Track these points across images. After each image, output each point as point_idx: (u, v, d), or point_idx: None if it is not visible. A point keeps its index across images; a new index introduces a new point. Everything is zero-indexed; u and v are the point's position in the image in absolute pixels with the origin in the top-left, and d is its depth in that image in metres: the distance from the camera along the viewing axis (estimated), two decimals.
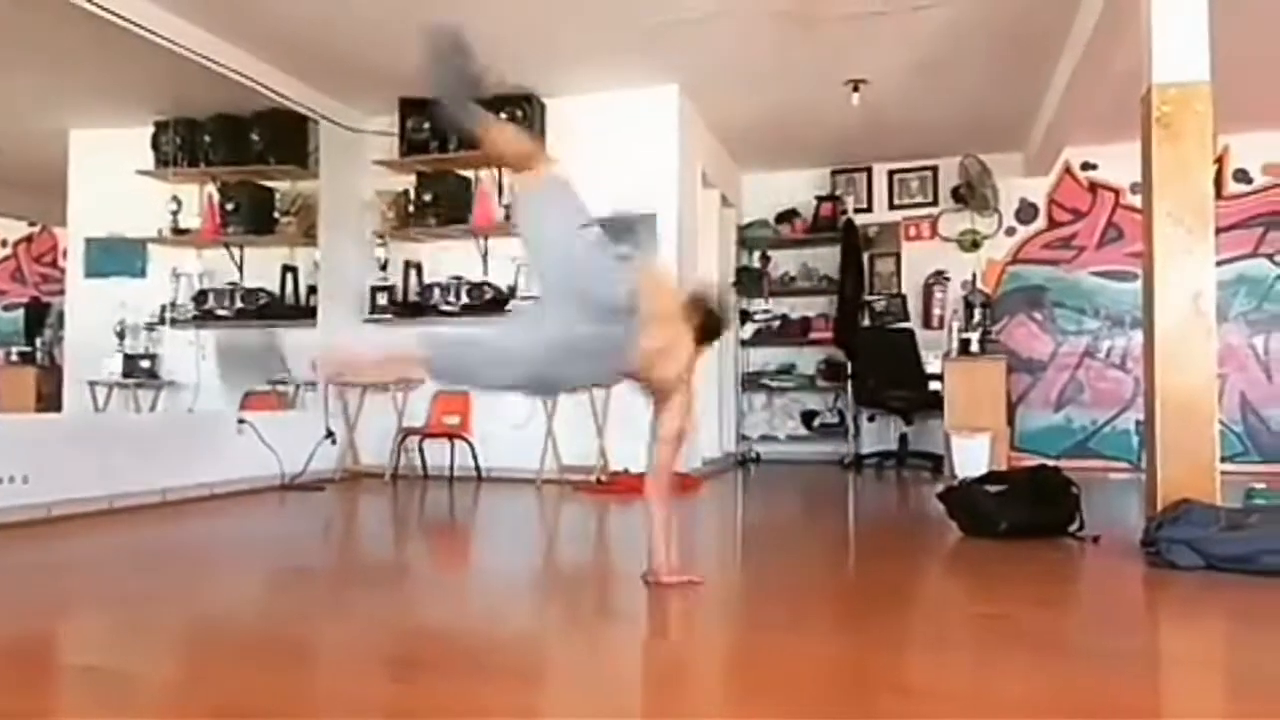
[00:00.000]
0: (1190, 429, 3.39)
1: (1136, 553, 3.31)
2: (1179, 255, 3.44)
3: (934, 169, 7.96)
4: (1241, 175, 7.27)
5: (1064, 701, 1.87)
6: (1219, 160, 7.25)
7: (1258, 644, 2.43)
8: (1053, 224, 7.71)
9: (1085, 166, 7.57)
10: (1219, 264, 7.05)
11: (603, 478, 5.99)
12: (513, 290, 6.39)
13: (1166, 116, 3.45)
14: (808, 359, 8.17)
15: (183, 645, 2.46)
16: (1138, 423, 7.10)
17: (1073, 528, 3.73)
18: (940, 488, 4.32)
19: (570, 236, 2.69)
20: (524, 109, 6.20)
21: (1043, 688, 1.97)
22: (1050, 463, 6.93)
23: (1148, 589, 3.07)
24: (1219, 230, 7.06)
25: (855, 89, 6.08)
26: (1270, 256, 7.24)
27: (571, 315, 2.62)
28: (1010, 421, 7.25)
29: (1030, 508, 3.78)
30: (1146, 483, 3.56)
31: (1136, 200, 6.45)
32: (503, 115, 6.11)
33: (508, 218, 6.35)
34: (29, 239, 9.71)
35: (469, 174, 6.56)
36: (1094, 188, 7.59)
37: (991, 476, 4.17)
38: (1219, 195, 7.25)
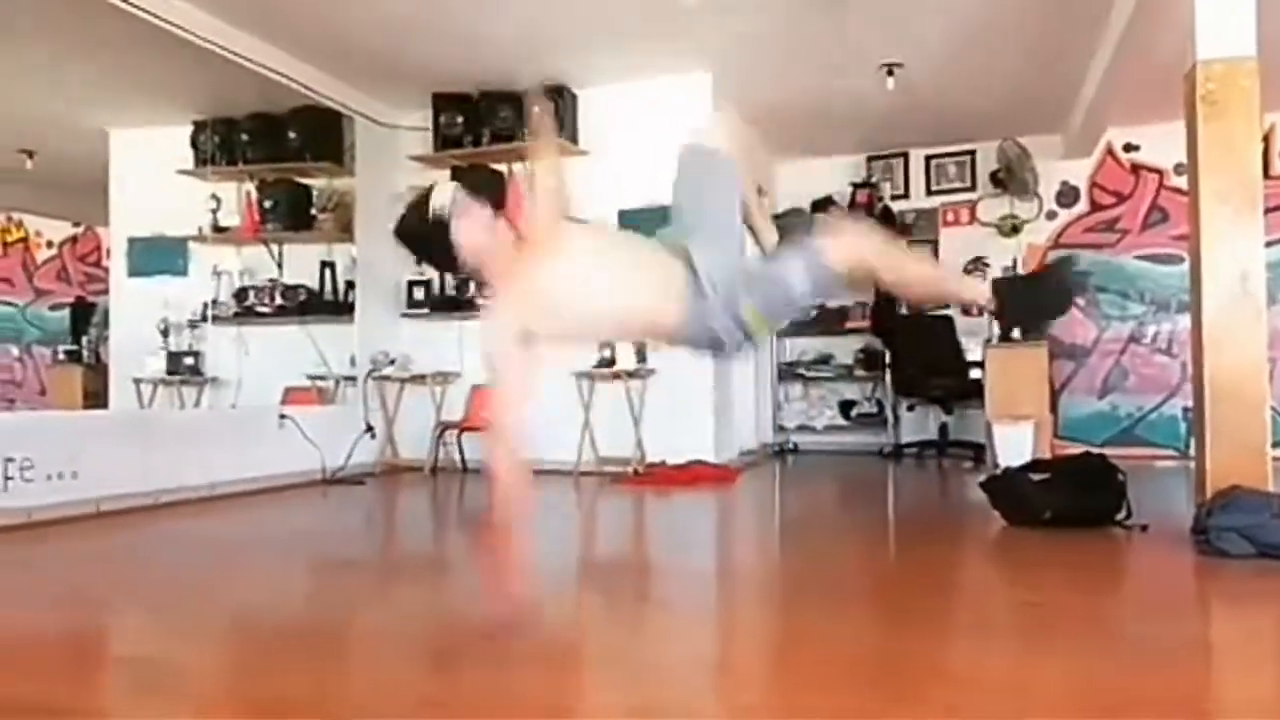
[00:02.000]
0: (1240, 413, 3.31)
1: (1186, 541, 3.24)
2: (1226, 235, 3.35)
3: (972, 153, 7.83)
4: None
5: (1109, 690, 1.84)
6: (1266, 138, 7.07)
7: None
8: (1095, 207, 7.56)
9: (1128, 148, 7.41)
10: (1268, 245, 6.97)
11: (639, 469, 5.98)
12: None
13: (1212, 94, 3.36)
14: (845, 348, 8.09)
15: (227, 637, 2.49)
16: (1185, 409, 6.95)
17: (1120, 516, 3.66)
18: (983, 477, 4.26)
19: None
20: (557, 101, 6.20)
21: (1087, 676, 1.94)
22: (1094, 451, 6.90)
23: (1198, 577, 3.00)
24: (1268, 210, 6.96)
25: (890, 73, 6.00)
26: None
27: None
28: (1054, 409, 7.13)
29: (1075, 495, 3.71)
30: (1195, 469, 3.49)
31: (1181, 182, 6.31)
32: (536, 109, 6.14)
33: None
34: (74, 239, 9.91)
35: (502, 167, 6.57)
36: (1137, 169, 7.43)
37: (1035, 465, 4.10)
38: (1267, 174, 7.06)
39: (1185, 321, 5.49)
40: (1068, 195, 7.61)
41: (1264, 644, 2.37)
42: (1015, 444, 6.25)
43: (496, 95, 6.28)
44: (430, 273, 6.65)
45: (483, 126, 6.34)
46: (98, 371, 8.00)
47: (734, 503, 5.23)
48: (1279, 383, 6.93)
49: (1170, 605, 2.68)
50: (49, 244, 9.93)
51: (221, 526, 4.44)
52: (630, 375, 6.06)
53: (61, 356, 8.60)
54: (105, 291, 8.15)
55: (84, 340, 8.47)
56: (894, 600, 2.77)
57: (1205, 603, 2.82)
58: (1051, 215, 7.64)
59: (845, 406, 8.07)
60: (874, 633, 2.35)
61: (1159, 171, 7.29)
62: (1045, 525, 3.67)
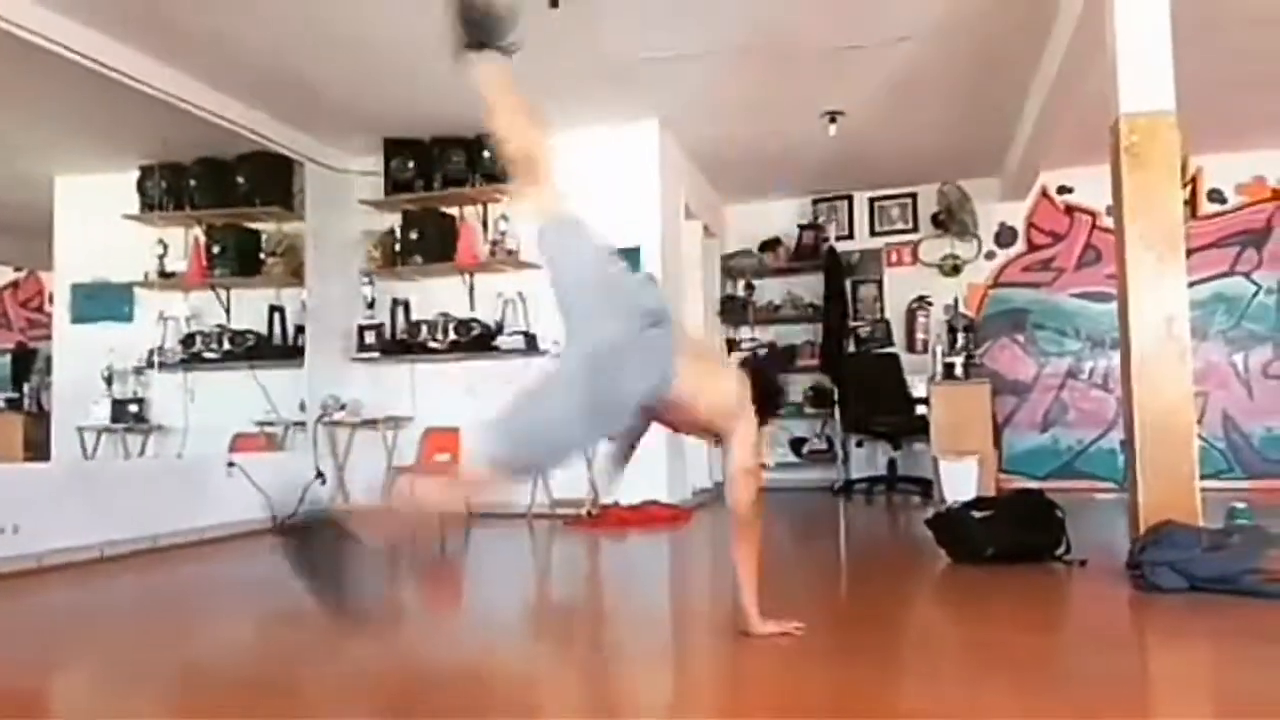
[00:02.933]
0: (1169, 450, 3.44)
1: (1122, 575, 3.35)
2: (1151, 280, 3.50)
3: (914, 195, 8.06)
4: (1216, 195, 7.40)
5: None
6: (1193, 181, 7.38)
7: (1241, 664, 2.46)
8: (1032, 247, 7.81)
9: (1061, 190, 7.69)
10: (1197, 283, 7.28)
11: (593, 511, 6.00)
12: (500, 326, 6.43)
13: (1135, 146, 3.53)
14: (795, 386, 8.21)
15: (175, 695, 2.47)
16: (1122, 443, 7.15)
17: (1059, 551, 3.78)
18: (929, 513, 4.35)
19: (603, 262, 2.54)
20: None
21: (1030, 714, 2.00)
22: (1037, 484, 7.06)
23: (1133, 611, 3.11)
24: (1196, 249, 7.28)
25: (832, 120, 6.18)
26: (1247, 274, 7.35)
27: (610, 326, 2.39)
28: (997, 444, 7.31)
29: (1016, 532, 3.82)
30: (1129, 504, 3.61)
31: (1112, 223, 6.57)
32: (486, 154, 6.23)
33: (493, 254, 6.41)
34: (14, 284, 9.70)
35: (453, 211, 6.61)
36: (1071, 210, 7.70)
37: (977, 502, 4.21)
38: (1194, 215, 7.38)
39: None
40: (1006, 235, 7.85)
41: (1199, 676, 2.47)
42: (960, 479, 6.40)
43: (448, 140, 6.35)
44: (380, 316, 6.66)
45: (434, 171, 6.40)
46: (39, 419, 7.82)
47: (688, 543, 5.27)
48: (1211, 416, 7.26)
49: (1109, 641, 2.76)
50: None
51: (169, 579, 4.37)
52: None
53: (1, 404, 8.39)
54: (47, 337, 8.00)
55: (25, 387, 8.28)
56: (845, 640, 2.82)
57: (1142, 638, 2.91)
58: (990, 255, 7.88)
59: (796, 444, 8.18)
60: (825, 672, 2.39)
61: (1092, 213, 7.57)
62: (988, 561, 3.77)
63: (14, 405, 8.31)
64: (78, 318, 7.08)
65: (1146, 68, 3.54)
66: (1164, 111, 3.53)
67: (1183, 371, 3.47)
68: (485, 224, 6.53)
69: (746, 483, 2.64)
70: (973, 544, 3.83)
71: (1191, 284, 7.21)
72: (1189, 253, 7.17)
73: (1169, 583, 3.13)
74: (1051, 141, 6.13)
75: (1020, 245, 7.84)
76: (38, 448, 7.54)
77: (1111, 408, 7.40)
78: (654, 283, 2.77)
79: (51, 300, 7.91)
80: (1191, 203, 7.37)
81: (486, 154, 6.27)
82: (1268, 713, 2.05)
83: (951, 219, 7.75)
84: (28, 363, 8.56)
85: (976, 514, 3.95)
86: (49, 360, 7.76)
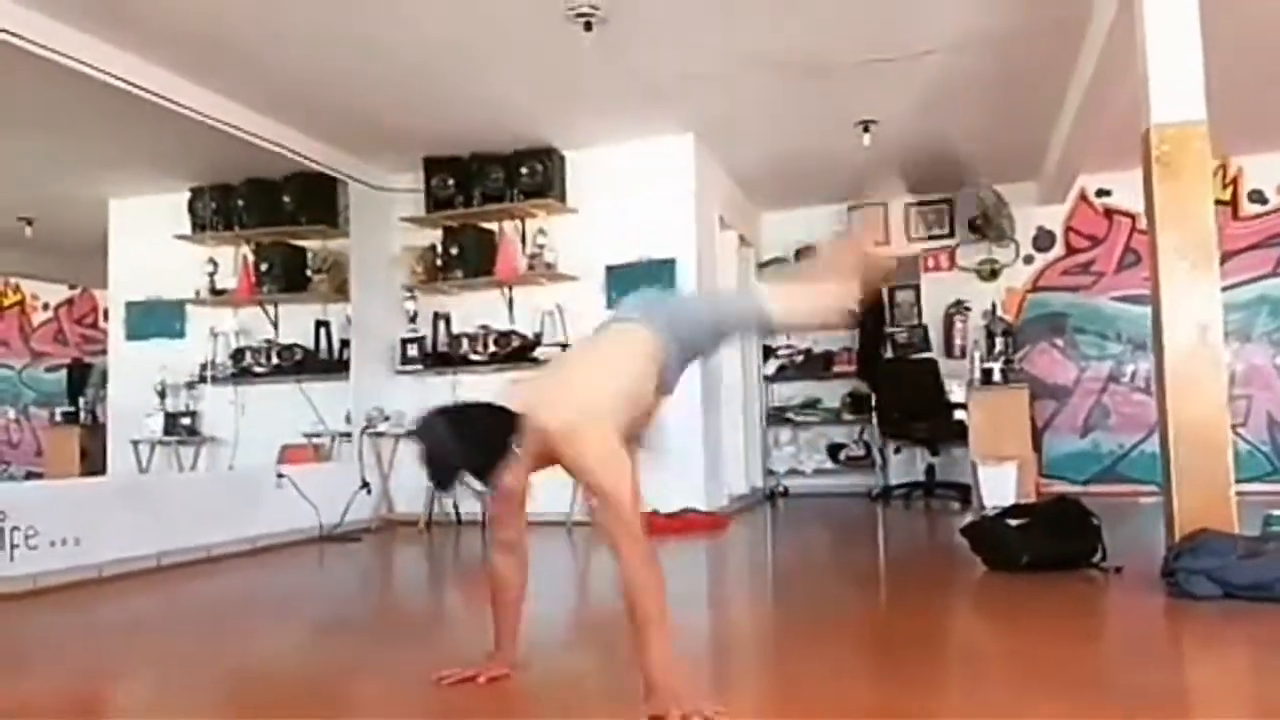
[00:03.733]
0: (1204, 458, 3.44)
1: (1157, 583, 3.36)
2: (1185, 289, 3.51)
3: (950, 201, 8.04)
4: (1257, 196, 7.31)
5: None
6: (1234, 182, 7.31)
7: (1275, 672, 2.49)
8: (1070, 251, 7.77)
9: (1100, 193, 7.64)
10: (1240, 285, 7.20)
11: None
12: (539, 337, 6.54)
13: (1166, 155, 3.54)
14: (832, 392, 8.24)
15: (228, 702, 2.59)
16: None
17: (1095, 558, 3.79)
18: (965, 521, 4.38)
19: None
20: (545, 162, 6.39)
21: None
22: (1078, 489, 7.04)
23: (1168, 620, 3.12)
24: (1238, 251, 7.21)
25: (866, 129, 6.21)
26: None
27: None
28: (1037, 448, 7.28)
29: (1052, 540, 3.84)
30: (1165, 512, 3.61)
31: None
32: (523, 170, 6.37)
33: (531, 267, 6.53)
34: (70, 301, 10.06)
35: (492, 227, 6.74)
36: (1109, 214, 7.65)
37: (1013, 510, 4.23)
38: (1235, 216, 7.31)
39: None
40: (1044, 239, 7.82)
41: (1233, 686, 2.49)
42: (999, 484, 6.39)
43: (486, 157, 6.47)
44: (423, 329, 6.81)
45: (473, 187, 6.52)
46: (95, 432, 8.10)
47: (725, 551, 5.34)
48: (1255, 419, 7.17)
49: (1143, 651, 2.79)
50: (45, 306, 10.08)
51: (222, 588, 4.52)
52: None
53: (59, 418, 8.69)
54: (102, 352, 8.28)
55: (81, 401, 8.57)
56: (882, 653, 2.87)
57: (1175, 647, 2.93)
58: (1029, 259, 7.85)
59: (833, 450, 8.19)
60: (862, 687, 2.45)
61: (1131, 216, 7.50)
62: (1024, 569, 3.79)
63: (70, 418, 8.61)
64: (132, 334, 7.32)
65: (1177, 77, 3.55)
66: (1195, 121, 3.54)
67: (1217, 380, 3.47)
68: (524, 238, 6.65)
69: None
70: (1008, 552, 3.85)
71: (1234, 286, 7.24)
72: (1230, 255, 7.20)
73: (1204, 590, 3.14)
74: (1088, 146, 6.11)
75: (1059, 249, 7.80)
76: (93, 459, 7.81)
77: (1153, 411, 7.28)
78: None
79: (106, 317, 8.19)
80: (1232, 204, 7.30)
81: (524, 170, 6.40)
82: None
83: (988, 224, 7.73)
84: (83, 377, 8.88)
85: (1012, 522, 3.98)
86: (104, 375, 8.04)
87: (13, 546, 4.06)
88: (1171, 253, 3.55)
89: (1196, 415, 3.46)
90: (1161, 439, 3.62)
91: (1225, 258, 7.22)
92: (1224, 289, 6.98)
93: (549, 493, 6.23)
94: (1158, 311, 3.61)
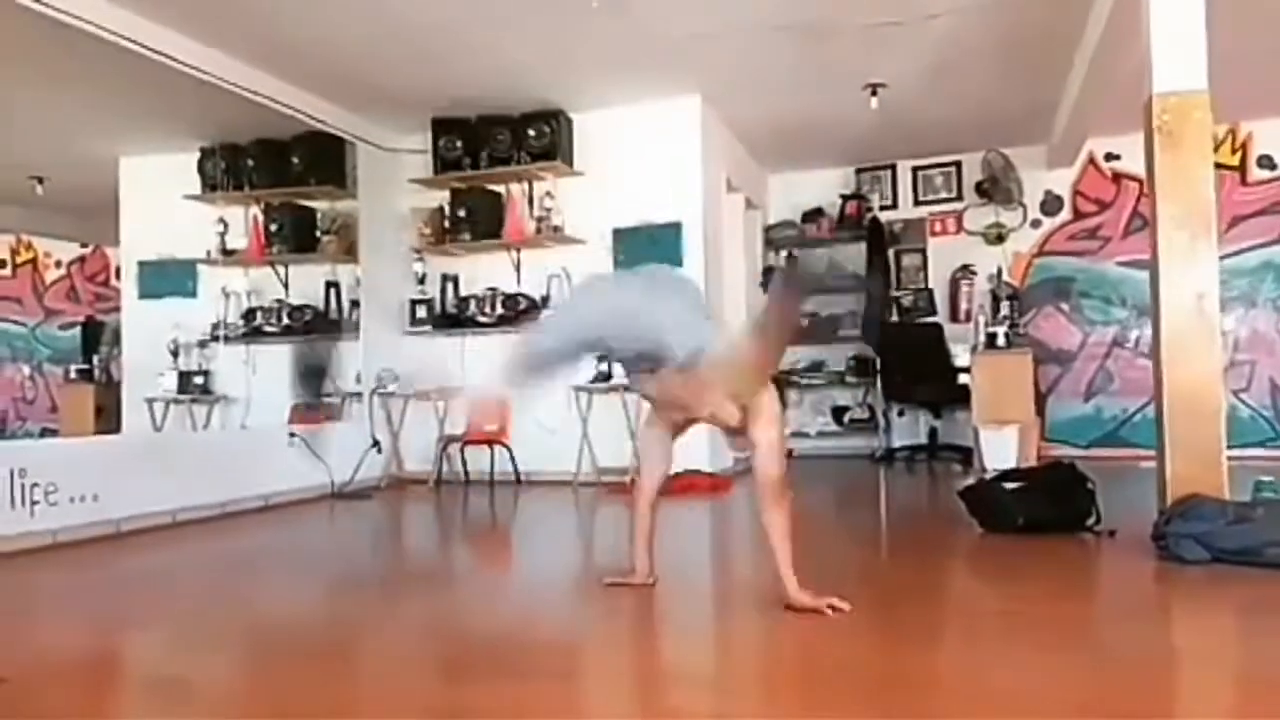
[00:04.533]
0: (1197, 425, 3.50)
1: (1149, 546, 3.44)
2: (1183, 258, 3.55)
3: (957, 164, 8.04)
4: (1266, 161, 7.29)
5: (1068, 699, 2.02)
6: (1242, 147, 7.28)
7: (1259, 638, 2.57)
8: (1078, 215, 7.77)
9: (1109, 157, 7.63)
10: (1246, 251, 7.21)
11: (636, 479, 6.16)
12: (545, 299, 6.60)
13: (1167, 125, 3.56)
14: (837, 355, 8.29)
15: (244, 653, 2.70)
16: None
17: (1089, 522, 3.87)
18: (962, 485, 4.46)
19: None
20: (552, 125, 6.41)
21: (1047, 684, 2.13)
22: (1080, 453, 7.12)
23: (1156, 583, 3.20)
24: (1245, 217, 7.21)
25: (874, 93, 6.21)
26: None
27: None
28: (1040, 412, 7.34)
29: (1047, 504, 3.92)
30: (1157, 478, 3.68)
31: None
32: (531, 132, 6.40)
33: (538, 230, 6.58)
34: (82, 259, 10.11)
35: (500, 189, 6.78)
36: (1118, 178, 7.64)
37: (1009, 474, 4.31)
38: (1243, 182, 7.30)
39: None
40: (1051, 204, 7.82)
41: (1215, 649, 2.56)
42: (1000, 448, 6.47)
43: (494, 119, 6.50)
44: (431, 291, 6.87)
45: (481, 149, 6.55)
46: (109, 389, 8.20)
47: (728, 512, 5.43)
48: (1258, 385, 7.22)
49: (1129, 613, 2.88)
50: (57, 264, 10.13)
51: (237, 544, 4.65)
52: (627, 389, 6.25)
53: (74, 375, 8.80)
54: (114, 310, 8.36)
55: (95, 359, 8.67)
56: (875, 609, 2.94)
57: (1161, 609, 3.01)
58: (1036, 223, 7.86)
59: (838, 412, 8.27)
60: (853, 641, 2.52)
61: (1139, 180, 7.46)
62: (1020, 531, 3.87)
63: (85, 375, 8.71)
64: (144, 293, 7.40)
65: (1179, 47, 3.56)
66: (1196, 91, 3.55)
67: (1212, 348, 3.52)
68: (531, 201, 6.69)
69: (775, 456, 2.80)
70: (1004, 515, 3.93)
71: (1240, 252, 7.25)
72: (1237, 220, 7.20)
73: (1192, 554, 3.22)
74: (1096, 111, 6.10)
75: (1066, 213, 7.80)
76: (107, 416, 7.92)
77: None
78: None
79: (118, 275, 8.25)
80: (1241, 170, 7.28)
81: (531, 132, 6.42)
82: None
83: (996, 187, 7.73)
84: (96, 335, 8.96)
85: (1008, 486, 4.05)
86: (116, 333, 8.12)
87: (33, 503, 4.18)
88: (1170, 223, 3.58)
89: (1191, 382, 3.52)
90: (1156, 405, 3.68)
91: (1232, 223, 7.25)
92: (1230, 255, 7.15)
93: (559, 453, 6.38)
94: (1155, 280, 3.66)
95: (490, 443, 6.55)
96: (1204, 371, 3.51)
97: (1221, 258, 6.95)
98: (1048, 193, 7.82)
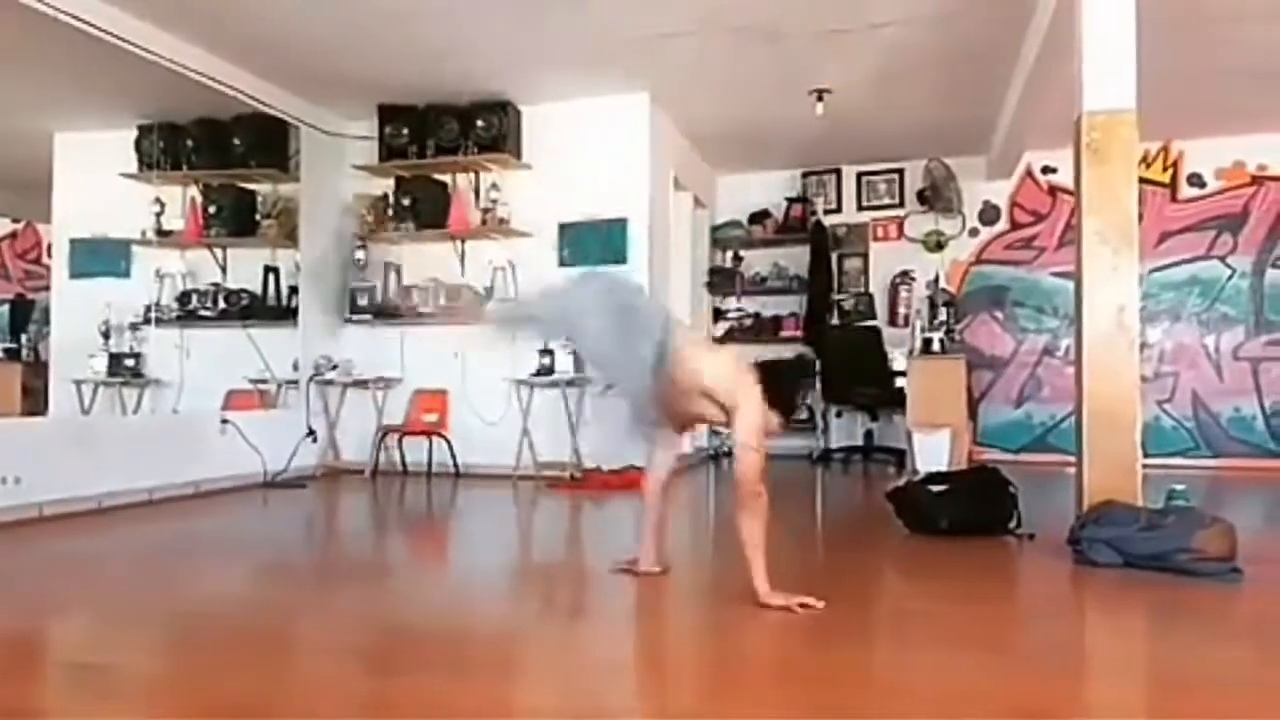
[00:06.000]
0: (1115, 434, 3.62)
1: (1065, 550, 3.55)
2: (1105, 272, 3.67)
3: (900, 171, 8.18)
4: (1195, 179, 7.52)
5: (987, 697, 2.09)
6: (1174, 165, 7.51)
7: (1166, 640, 2.67)
8: (1015, 225, 7.96)
9: (1045, 170, 7.82)
10: (1173, 265, 7.45)
11: (576, 475, 6.21)
12: (489, 291, 6.58)
13: (1095, 141, 3.68)
14: (778, 356, 8.34)
15: (170, 642, 2.66)
16: None
17: (1011, 525, 3.98)
18: (890, 487, 4.55)
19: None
20: (501, 116, 6.39)
21: (967, 682, 2.19)
22: (1010, 457, 7.30)
23: (1071, 585, 3.31)
24: (1174, 233, 7.44)
25: (820, 98, 6.29)
26: (1222, 258, 7.49)
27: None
28: (973, 417, 7.51)
29: (971, 507, 4.03)
30: (1075, 484, 3.80)
31: None
32: (479, 123, 6.37)
33: (484, 222, 6.55)
34: (13, 235, 9.81)
35: (445, 179, 6.73)
36: (1054, 191, 7.84)
37: (935, 477, 4.40)
38: (1173, 199, 7.53)
39: None
40: (989, 213, 7.99)
41: (1123, 651, 2.66)
42: (933, 450, 6.60)
43: (442, 108, 6.45)
44: (373, 279, 6.81)
45: (428, 138, 6.50)
46: (36, 370, 7.98)
47: (682, 504, 5.47)
48: (1181, 396, 7.46)
49: (1041, 614, 2.98)
50: None
51: (164, 530, 4.57)
52: (568, 384, 6.28)
53: (0, 354, 8.55)
54: (45, 288, 8.13)
55: (23, 338, 8.43)
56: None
57: (1073, 612, 3.11)
58: (974, 232, 8.03)
59: None
60: (793, 640, 2.57)
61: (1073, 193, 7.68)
62: (944, 534, 3.97)
63: (12, 355, 8.46)
64: (76, 272, 7.21)
65: (1110, 66, 3.68)
66: (1124, 110, 3.67)
67: (1130, 360, 3.65)
68: (477, 192, 6.66)
69: (748, 458, 2.88)
70: (929, 517, 4.03)
71: (1168, 266, 7.49)
72: (1166, 236, 7.43)
73: (1105, 558, 3.33)
74: (1033, 125, 6.25)
75: (1003, 223, 7.98)
76: (34, 397, 7.71)
77: None
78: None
79: (49, 252, 8.03)
80: (1171, 186, 7.52)
81: (479, 123, 6.39)
82: (1186, 679, 2.26)
83: (937, 196, 7.88)
84: (25, 313, 8.70)
85: (934, 489, 4.15)
86: (46, 311, 7.90)
87: None
88: (1094, 237, 3.70)
89: (1109, 393, 3.64)
90: (1077, 414, 3.79)
91: (1161, 239, 7.48)
92: (1158, 269, 7.38)
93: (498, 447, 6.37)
94: (1079, 292, 3.77)
95: (429, 434, 6.52)
96: (1122, 382, 3.63)
97: (1150, 272, 7.33)
98: (986, 203, 8.00)
